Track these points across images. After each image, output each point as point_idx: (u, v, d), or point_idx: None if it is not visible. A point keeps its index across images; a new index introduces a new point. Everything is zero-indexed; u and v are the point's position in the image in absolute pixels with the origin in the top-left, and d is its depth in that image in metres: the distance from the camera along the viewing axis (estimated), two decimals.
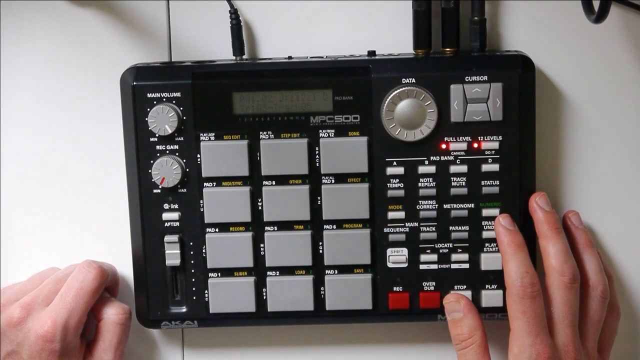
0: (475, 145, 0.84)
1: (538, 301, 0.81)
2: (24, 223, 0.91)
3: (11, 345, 0.85)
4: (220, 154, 0.85)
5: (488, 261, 0.86)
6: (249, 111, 0.85)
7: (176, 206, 0.86)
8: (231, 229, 0.86)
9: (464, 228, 0.85)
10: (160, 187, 0.86)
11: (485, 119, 0.84)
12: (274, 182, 0.86)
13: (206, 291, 0.87)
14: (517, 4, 0.86)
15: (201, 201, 0.86)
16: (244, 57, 0.87)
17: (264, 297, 0.87)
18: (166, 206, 0.86)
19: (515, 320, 0.81)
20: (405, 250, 0.86)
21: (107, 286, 0.89)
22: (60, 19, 0.88)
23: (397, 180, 0.85)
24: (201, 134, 0.85)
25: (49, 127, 0.89)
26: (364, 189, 0.85)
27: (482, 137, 0.84)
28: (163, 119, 0.85)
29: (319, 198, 0.86)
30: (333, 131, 0.85)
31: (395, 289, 0.86)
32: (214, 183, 0.86)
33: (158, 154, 0.85)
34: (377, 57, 0.85)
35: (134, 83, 0.85)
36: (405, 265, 0.86)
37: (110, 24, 0.88)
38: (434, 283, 0.86)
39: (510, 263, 0.82)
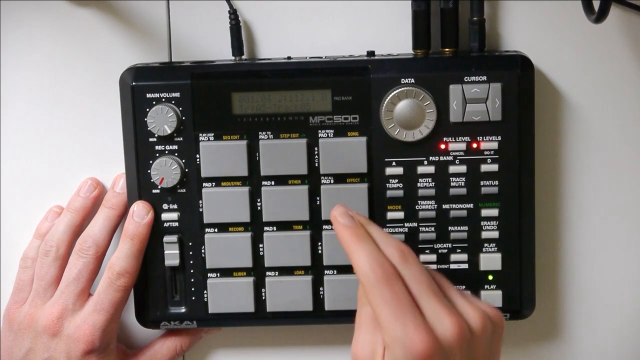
0: (475, 145, 0.84)
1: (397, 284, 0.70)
2: (23, 223, 0.91)
3: (47, 352, 0.86)
4: (220, 154, 0.85)
5: (487, 261, 0.85)
6: (248, 111, 0.85)
7: (175, 206, 0.86)
8: (230, 229, 0.86)
9: (463, 228, 0.85)
10: (159, 187, 0.86)
11: (485, 119, 0.83)
12: (273, 183, 0.86)
13: (205, 291, 0.87)
14: (516, 4, 0.86)
15: (200, 201, 0.86)
16: (243, 57, 0.87)
17: (263, 298, 0.87)
18: (165, 206, 0.86)
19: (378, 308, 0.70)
20: None
21: None
22: (60, 19, 0.88)
23: (396, 180, 0.85)
24: (200, 134, 0.85)
25: (48, 127, 0.90)
26: (363, 189, 0.85)
27: (481, 137, 0.84)
28: (162, 119, 0.85)
29: (318, 198, 0.86)
30: (332, 131, 0.85)
31: None
32: (213, 183, 0.86)
33: (157, 154, 0.85)
34: (376, 58, 0.85)
35: (133, 83, 0.85)
36: None
37: (110, 24, 0.88)
38: None
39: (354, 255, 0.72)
